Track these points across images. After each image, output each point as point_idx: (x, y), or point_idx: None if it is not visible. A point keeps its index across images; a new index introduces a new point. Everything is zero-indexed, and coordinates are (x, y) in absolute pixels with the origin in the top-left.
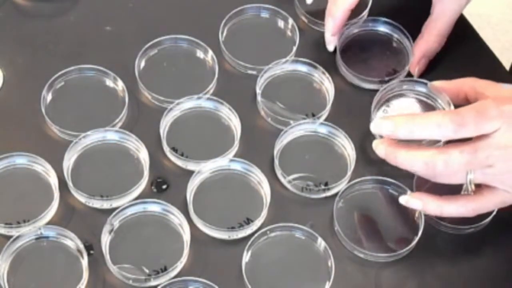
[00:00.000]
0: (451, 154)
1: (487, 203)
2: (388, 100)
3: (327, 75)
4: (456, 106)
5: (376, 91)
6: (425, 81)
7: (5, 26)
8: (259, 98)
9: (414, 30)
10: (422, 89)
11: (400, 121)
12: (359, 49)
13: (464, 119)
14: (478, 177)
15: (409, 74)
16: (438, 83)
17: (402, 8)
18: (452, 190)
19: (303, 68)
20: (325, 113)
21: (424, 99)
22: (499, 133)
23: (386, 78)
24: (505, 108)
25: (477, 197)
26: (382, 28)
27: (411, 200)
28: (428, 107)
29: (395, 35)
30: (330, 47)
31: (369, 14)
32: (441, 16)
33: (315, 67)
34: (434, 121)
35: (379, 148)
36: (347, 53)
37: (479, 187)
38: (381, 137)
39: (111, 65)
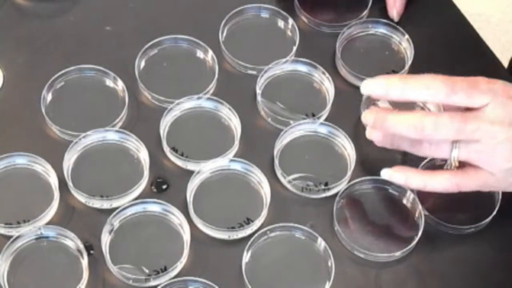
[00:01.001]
0: (441, 117)
1: (470, 181)
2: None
3: (327, 75)
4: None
5: None
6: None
7: (5, 26)
8: (259, 98)
9: (413, 30)
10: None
11: (393, 80)
12: (359, 50)
13: (455, 85)
14: (463, 153)
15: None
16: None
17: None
18: (449, 196)
19: (303, 68)
20: (325, 113)
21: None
22: (488, 108)
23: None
24: (495, 85)
25: (461, 173)
26: (382, 29)
27: (394, 174)
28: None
29: (394, 36)
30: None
31: (369, 15)
32: None
33: (315, 67)
34: (426, 83)
35: (368, 117)
36: (347, 53)
37: (464, 166)
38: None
39: (111, 65)
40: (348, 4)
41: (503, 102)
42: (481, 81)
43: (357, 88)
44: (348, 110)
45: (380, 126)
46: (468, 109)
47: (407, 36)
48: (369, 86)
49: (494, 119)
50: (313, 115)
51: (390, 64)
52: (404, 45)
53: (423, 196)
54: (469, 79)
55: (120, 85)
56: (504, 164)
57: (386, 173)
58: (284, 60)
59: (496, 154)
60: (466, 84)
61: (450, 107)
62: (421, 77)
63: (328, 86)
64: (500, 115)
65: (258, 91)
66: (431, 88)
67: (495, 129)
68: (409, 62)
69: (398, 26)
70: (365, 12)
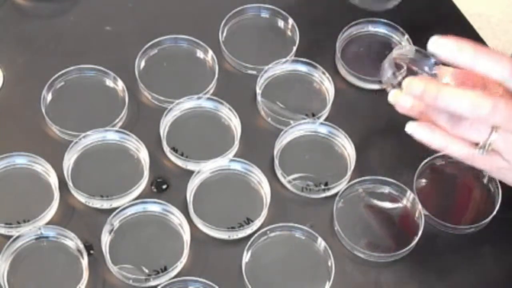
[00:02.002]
0: (499, 101)
1: (485, 161)
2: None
3: (327, 75)
4: None
5: (376, 91)
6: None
7: (5, 26)
8: (259, 98)
9: (413, 30)
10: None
11: (465, 46)
12: (359, 50)
13: None
14: (500, 141)
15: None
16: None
17: (401, 9)
18: (449, 196)
19: (303, 68)
20: (325, 113)
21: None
22: None
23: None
24: None
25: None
26: (382, 29)
27: (419, 128)
28: None
29: (394, 36)
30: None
31: (369, 15)
32: None
33: (315, 67)
34: (497, 58)
35: (415, 85)
36: (347, 53)
37: None
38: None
39: (111, 65)
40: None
41: None
42: None
43: (357, 88)
44: (348, 110)
45: (432, 96)
46: None
47: (407, 36)
48: (439, 44)
49: None
50: (313, 115)
51: None
52: (404, 44)
53: (423, 196)
54: None
55: (120, 85)
56: None
57: (411, 127)
58: (284, 60)
59: None
60: None
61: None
62: (491, 51)
63: (328, 86)
64: None
65: (258, 91)
66: (500, 64)
67: None
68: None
69: (398, 26)
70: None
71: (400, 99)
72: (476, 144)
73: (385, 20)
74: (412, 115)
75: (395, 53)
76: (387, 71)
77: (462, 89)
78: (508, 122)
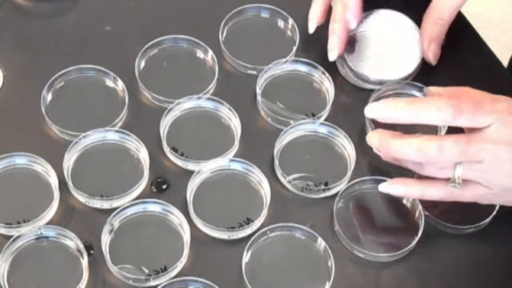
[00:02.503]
0: (445, 141)
1: (467, 193)
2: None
3: (327, 75)
4: None
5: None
6: (420, 84)
7: (5, 26)
8: (259, 98)
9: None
10: (417, 93)
11: (401, 103)
12: (358, 49)
13: (461, 105)
14: (467, 173)
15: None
16: (434, 89)
17: (401, 8)
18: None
19: (303, 68)
20: (325, 113)
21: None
22: (492, 128)
23: (386, 78)
24: (499, 105)
25: (459, 184)
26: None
27: (392, 187)
28: None
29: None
30: (334, 55)
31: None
32: (440, 0)
33: (315, 67)
34: (434, 104)
35: (373, 138)
36: (346, 53)
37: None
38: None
39: (111, 65)
40: None
41: (507, 121)
42: (486, 101)
43: (357, 88)
44: (348, 110)
45: (385, 150)
46: (471, 129)
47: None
48: (375, 110)
49: (498, 139)
50: (313, 115)
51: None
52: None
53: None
54: (474, 99)
55: (120, 85)
56: (506, 182)
57: (385, 187)
58: (284, 60)
59: (499, 173)
60: (472, 104)
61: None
62: (429, 99)
63: (328, 86)
64: (504, 134)
65: (258, 91)
66: (440, 109)
67: (499, 149)
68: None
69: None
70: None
71: (377, 151)
72: (449, 180)
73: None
74: (394, 162)
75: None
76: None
77: (408, 137)
78: (464, 156)
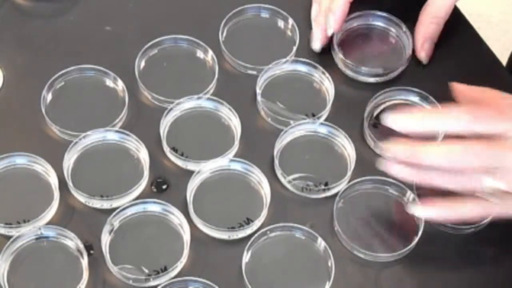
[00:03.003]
0: (473, 145)
1: (504, 205)
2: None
3: (327, 75)
4: None
5: (375, 85)
6: (418, 90)
7: (5, 26)
8: (259, 98)
9: (413, 30)
10: (413, 98)
11: (421, 115)
12: (357, 43)
13: (478, 112)
14: (502, 180)
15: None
16: (461, 87)
17: (400, 8)
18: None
19: (303, 68)
20: (325, 113)
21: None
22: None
23: (384, 71)
24: None
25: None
26: (380, 23)
27: (426, 209)
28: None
29: (392, 29)
30: (317, 45)
31: (368, 9)
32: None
33: (315, 67)
34: (449, 112)
35: (395, 150)
36: (345, 48)
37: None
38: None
39: (111, 65)
40: None
41: None
42: (505, 106)
43: (358, 88)
44: (348, 110)
45: (411, 159)
46: (491, 137)
47: (405, 30)
48: (397, 120)
49: None
50: (313, 115)
51: (388, 58)
52: (402, 39)
53: (423, 194)
54: (491, 105)
55: (120, 85)
56: None
57: (419, 211)
58: (284, 60)
59: None
60: (490, 111)
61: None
62: (443, 109)
63: (328, 86)
64: None
65: (258, 91)
66: (454, 116)
67: None
68: (406, 57)
69: (400, 24)
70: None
71: (392, 168)
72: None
73: (384, 14)
74: (413, 179)
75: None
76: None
77: (433, 143)
78: (489, 159)
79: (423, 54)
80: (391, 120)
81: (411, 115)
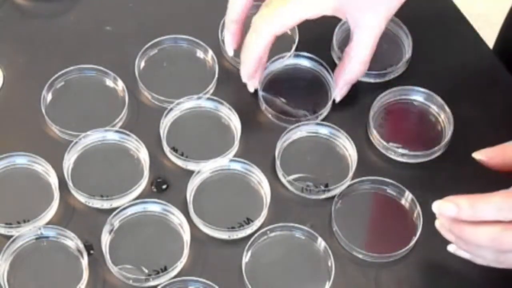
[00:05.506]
0: None
1: None
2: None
3: (329, 71)
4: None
5: (374, 85)
6: (423, 89)
7: (5, 26)
8: (260, 93)
9: (413, 29)
10: (418, 97)
11: (463, 203)
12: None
13: None
14: None
15: (407, 71)
16: (482, 154)
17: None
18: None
19: (304, 63)
20: (325, 110)
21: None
22: None
23: (384, 72)
24: None
25: None
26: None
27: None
28: (423, 112)
29: (392, 29)
30: (230, 51)
31: None
32: (361, 43)
33: (316, 62)
34: (495, 205)
35: (445, 231)
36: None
37: None
38: None
39: (111, 65)
40: None
41: None
42: None
43: (359, 88)
44: (350, 111)
45: (460, 239)
46: None
47: (405, 30)
48: (442, 209)
49: None
50: (314, 112)
51: (387, 58)
52: (402, 38)
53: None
54: None
55: (120, 85)
56: None
57: (436, 206)
58: (285, 57)
59: None
60: None
61: None
62: (490, 198)
63: (330, 82)
64: None
65: (259, 89)
66: (503, 209)
67: None
68: (406, 56)
69: (400, 24)
70: (292, 51)
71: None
72: None
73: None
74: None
75: None
76: None
77: (484, 225)
78: None
79: (338, 96)
80: (437, 207)
81: (456, 204)
